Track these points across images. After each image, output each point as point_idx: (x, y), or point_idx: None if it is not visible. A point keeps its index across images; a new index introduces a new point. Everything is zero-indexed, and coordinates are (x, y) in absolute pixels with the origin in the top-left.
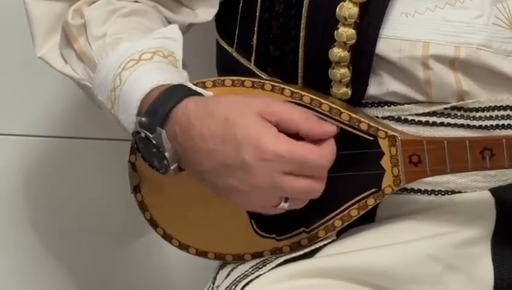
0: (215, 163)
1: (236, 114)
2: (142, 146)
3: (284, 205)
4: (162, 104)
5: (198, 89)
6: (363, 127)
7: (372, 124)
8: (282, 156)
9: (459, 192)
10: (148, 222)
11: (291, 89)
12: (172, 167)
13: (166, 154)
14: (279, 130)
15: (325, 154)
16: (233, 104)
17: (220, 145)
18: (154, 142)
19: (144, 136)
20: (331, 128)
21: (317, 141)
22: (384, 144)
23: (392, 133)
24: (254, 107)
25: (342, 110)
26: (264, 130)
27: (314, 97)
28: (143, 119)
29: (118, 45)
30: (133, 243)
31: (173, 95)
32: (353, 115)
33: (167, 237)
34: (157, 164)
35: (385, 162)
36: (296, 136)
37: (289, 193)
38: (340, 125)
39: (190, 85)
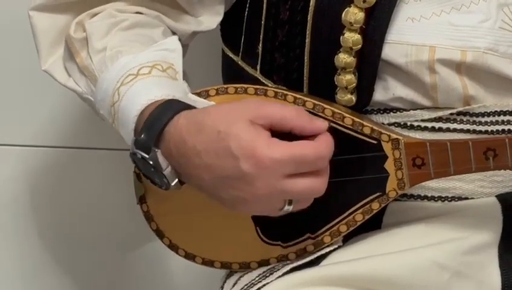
0: (215, 176)
1: (226, 124)
2: (141, 165)
3: (289, 208)
4: (156, 121)
5: (193, 98)
6: (366, 131)
7: (375, 127)
8: (279, 160)
9: (466, 198)
10: (154, 232)
11: (294, 95)
12: (172, 184)
13: (165, 172)
14: (273, 131)
15: (322, 145)
16: (223, 114)
17: (216, 159)
18: (150, 162)
19: (140, 157)
20: (322, 123)
21: (312, 136)
22: (387, 147)
23: (395, 136)
24: (244, 114)
25: (345, 114)
26: (256, 137)
27: (317, 102)
28: (139, 138)
29: (117, 59)
30: (138, 253)
31: (165, 111)
32: (356, 119)
33: (173, 247)
34: (158, 181)
35: (389, 165)
36: (290, 133)
37: (292, 195)
38: (344, 130)
39: (189, 95)
